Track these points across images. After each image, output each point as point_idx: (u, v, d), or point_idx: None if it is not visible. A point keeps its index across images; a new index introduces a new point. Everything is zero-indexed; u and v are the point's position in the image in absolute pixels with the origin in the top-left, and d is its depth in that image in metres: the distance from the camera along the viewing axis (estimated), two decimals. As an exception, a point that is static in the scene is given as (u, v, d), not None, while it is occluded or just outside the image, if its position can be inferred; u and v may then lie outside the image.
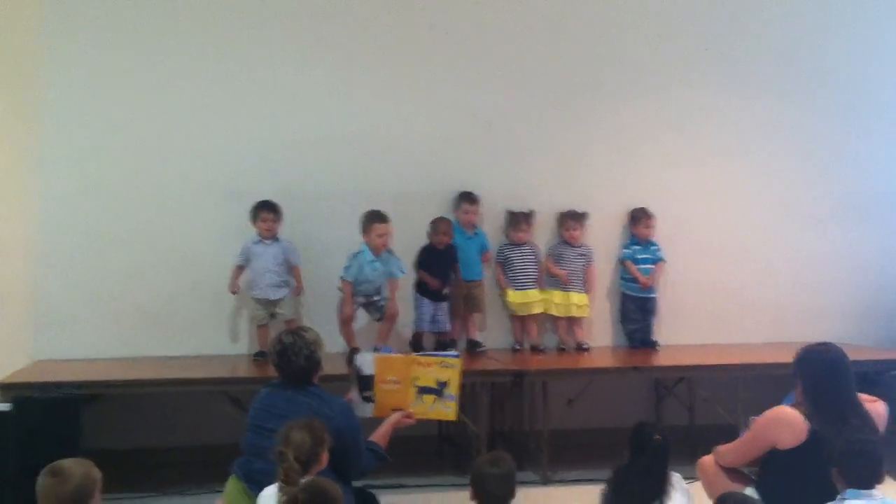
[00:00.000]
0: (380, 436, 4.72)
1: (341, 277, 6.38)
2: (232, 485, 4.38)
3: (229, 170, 6.79)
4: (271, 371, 5.97)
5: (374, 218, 6.33)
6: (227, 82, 6.82)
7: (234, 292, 6.54)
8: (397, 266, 6.46)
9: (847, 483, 3.76)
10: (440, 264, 6.66)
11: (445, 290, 6.70)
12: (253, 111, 6.84)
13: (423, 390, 4.98)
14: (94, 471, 3.45)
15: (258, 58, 6.86)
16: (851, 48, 7.74)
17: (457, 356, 5.15)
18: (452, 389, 5.01)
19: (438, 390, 4.99)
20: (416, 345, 6.54)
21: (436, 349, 6.48)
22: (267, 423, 4.21)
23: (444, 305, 6.67)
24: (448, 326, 6.68)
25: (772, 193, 7.59)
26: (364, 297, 6.47)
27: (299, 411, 4.20)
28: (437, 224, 6.73)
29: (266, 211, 6.50)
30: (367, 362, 4.85)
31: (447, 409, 5.05)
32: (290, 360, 4.36)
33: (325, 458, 3.91)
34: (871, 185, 7.74)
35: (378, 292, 6.48)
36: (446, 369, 4.99)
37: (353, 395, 4.94)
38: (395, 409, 4.86)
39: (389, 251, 6.43)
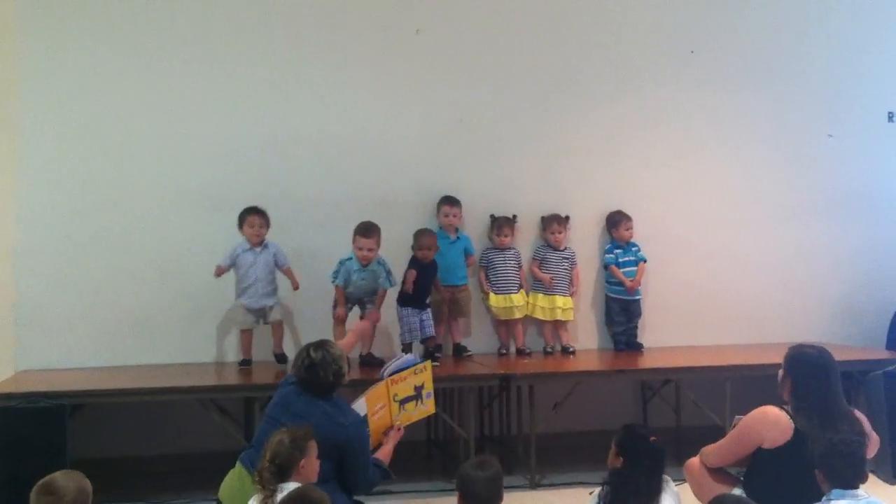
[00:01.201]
0: (382, 454, 4.84)
1: (333, 283, 6.40)
2: (234, 473, 4.40)
3: (212, 176, 6.75)
4: (257, 379, 6.04)
5: (357, 231, 6.32)
6: (210, 87, 6.77)
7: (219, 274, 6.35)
8: (385, 278, 6.43)
9: (830, 483, 3.78)
10: (425, 277, 6.58)
11: (427, 300, 6.67)
12: (237, 115, 6.80)
13: (405, 401, 5.17)
14: (85, 483, 3.46)
15: (242, 62, 6.82)
16: (830, 44, 7.78)
17: (421, 361, 5.35)
18: (428, 388, 5.28)
19: (417, 395, 5.21)
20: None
21: (423, 355, 6.49)
22: (281, 418, 4.29)
23: (429, 312, 6.65)
24: (433, 331, 6.67)
25: (752, 191, 7.61)
26: (356, 300, 6.49)
27: (315, 413, 4.31)
28: (421, 239, 6.56)
29: (253, 216, 6.42)
30: (360, 407, 4.93)
31: (426, 407, 5.30)
32: (319, 375, 4.46)
33: (308, 468, 3.91)
34: (850, 183, 7.77)
35: (369, 295, 6.49)
36: (419, 374, 5.24)
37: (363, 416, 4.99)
38: (386, 430, 5.01)
39: (380, 262, 6.41)
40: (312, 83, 6.94)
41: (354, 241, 6.32)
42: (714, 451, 4.51)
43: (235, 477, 4.42)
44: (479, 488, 3.65)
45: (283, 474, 3.80)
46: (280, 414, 4.38)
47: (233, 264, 6.40)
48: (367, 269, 6.34)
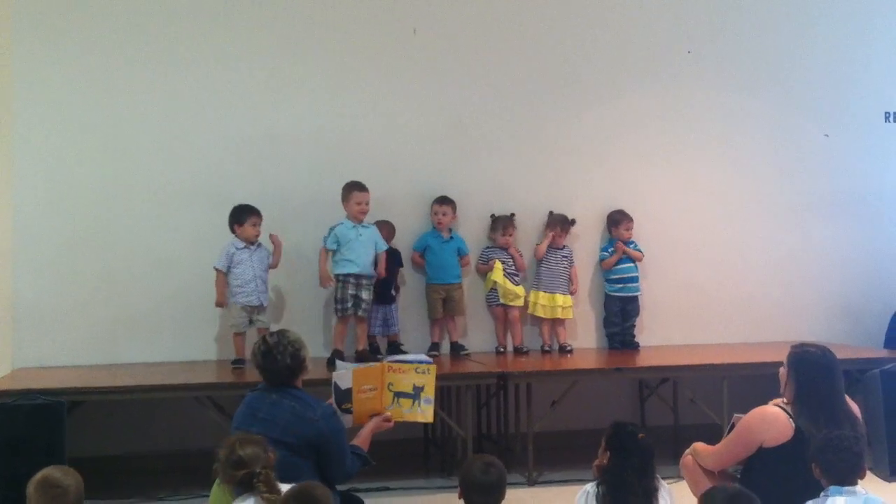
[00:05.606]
0: (361, 440, 4.72)
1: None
2: (216, 488, 4.37)
3: (207, 174, 6.76)
4: (252, 377, 5.99)
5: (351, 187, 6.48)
6: (205, 86, 6.78)
7: (222, 306, 6.42)
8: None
9: (827, 479, 3.77)
10: (389, 267, 6.62)
11: (392, 292, 6.72)
12: (232, 114, 6.81)
13: (400, 395, 5.01)
14: (79, 477, 3.47)
15: (237, 61, 6.83)
16: (827, 43, 7.80)
17: (430, 362, 5.18)
18: (429, 393, 5.05)
19: (415, 395, 5.03)
20: (373, 348, 6.56)
21: (388, 351, 6.56)
22: (251, 427, 4.20)
23: (393, 308, 6.72)
24: (397, 329, 6.75)
25: (749, 191, 7.63)
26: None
27: (283, 415, 4.21)
28: (378, 228, 6.67)
29: (255, 216, 6.42)
30: (344, 377, 4.85)
31: (424, 413, 5.09)
32: (276, 359, 4.33)
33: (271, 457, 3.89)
34: (847, 182, 7.79)
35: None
36: (422, 375, 5.04)
37: (333, 406, 4.90)
38: (372, 415, 4.87)
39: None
40: (308, 82, 6.95)
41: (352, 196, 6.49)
42: (712, 454, 4.44)
43: (218, 490, 4.39)
44: (483, 494, 3.62)
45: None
46: (250, 423, 4.27)
47: (230, 265, 6.37)
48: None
